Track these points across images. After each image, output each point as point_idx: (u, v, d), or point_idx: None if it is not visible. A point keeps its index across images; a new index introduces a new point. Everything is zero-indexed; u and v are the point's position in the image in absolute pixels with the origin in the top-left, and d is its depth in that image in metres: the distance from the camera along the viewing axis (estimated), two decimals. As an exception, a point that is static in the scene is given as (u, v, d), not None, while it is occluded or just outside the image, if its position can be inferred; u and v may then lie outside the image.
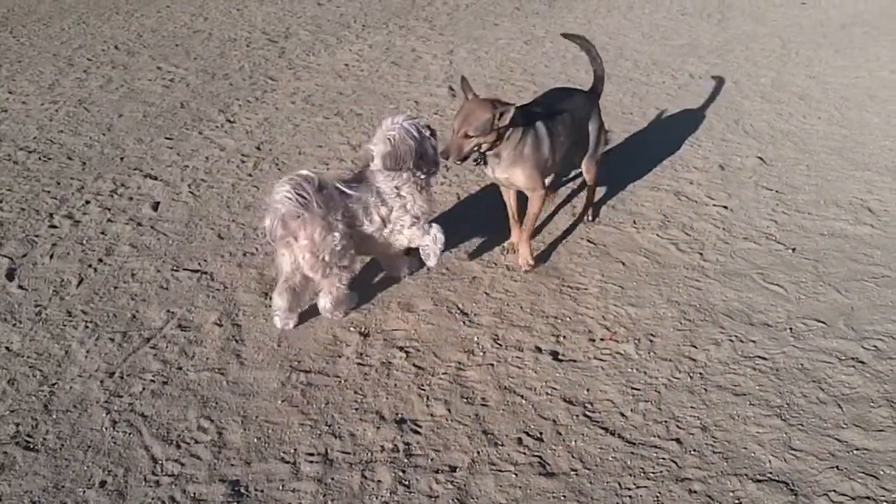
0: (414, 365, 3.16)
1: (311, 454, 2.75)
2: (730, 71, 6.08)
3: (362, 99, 5.81)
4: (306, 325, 3.41)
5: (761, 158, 4.72)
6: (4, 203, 4.51)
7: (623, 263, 3.74)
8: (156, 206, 4.43)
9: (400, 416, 2.91)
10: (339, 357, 3.22)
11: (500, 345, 3.25)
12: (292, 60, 6.61)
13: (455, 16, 7.73)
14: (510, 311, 3.45)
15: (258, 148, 5.09)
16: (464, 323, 3.39)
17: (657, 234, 3.97)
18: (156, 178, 4.73)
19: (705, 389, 2.96)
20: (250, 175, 4.74)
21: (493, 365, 3.14)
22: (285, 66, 6.50)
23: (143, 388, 3.08)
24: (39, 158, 5.02)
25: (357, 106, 5.69)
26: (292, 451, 2.78)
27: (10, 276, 3.84)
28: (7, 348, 3.33)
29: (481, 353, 3.20)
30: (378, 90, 5.97)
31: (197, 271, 3.82)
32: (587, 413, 2.88)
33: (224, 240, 4.08)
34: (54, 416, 2.96)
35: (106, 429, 2.89)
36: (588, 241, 3.93)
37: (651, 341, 3.23)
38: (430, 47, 6.84)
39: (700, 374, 3.05)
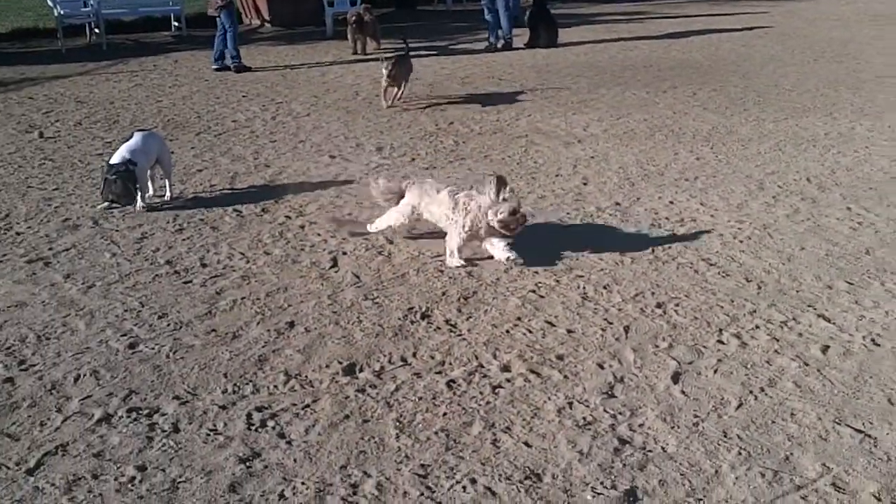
0: None
1: None
2: None
3: None
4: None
5: None
6: (679, 307, 4.79)
7: None
8: (825, 350, 4.30)
9: None
10: None
11: None
12: None
13: None
14: None
15: (946, 316, 4.66)
16: None
17: None
18: (829, 321, 4.61)
19: None
20: (933, 344, 4.36)
21: None
22: None
23: (786, 538, 2.98)
24: (718, 273, 5.24)
25: None
26: None
27: (676, 379, 4.05)
28: (663, 448, 3.50)
29: None
30: None
31: (860, 432, 3.59)
32: None
33: (894, 406, 3.79)
34: (695, 532, 3.01)
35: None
36: None
37: None
38: None
39: None
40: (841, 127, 8.84)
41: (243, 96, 10.86)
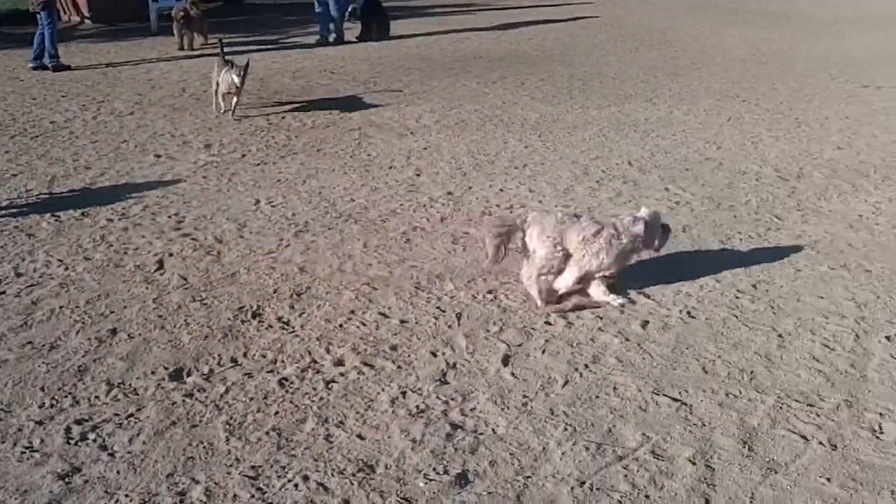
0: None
1: None
2: None
3: (874, 255, 5.40)
4: (784, 488, 3.19)
5: None
6: (510, 292, 4.90)
7: None
8: (644, 325, 4.50)
9: None
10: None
11: None
12: (802, 202, 6.38)
13: None
14: None
15: (754, 286, 4.95)
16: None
17: None
18: (648, 297, 4.82)
19: None
20: (743, 312, 4.63)
21: None
22: (794, 206, 6.30)
23: (609, 507, 3.10)
24: (546, 256, 5.39)
25: (867, 261, 5.31)
26: None
27: (506, 361, 4.13)
28: (493, 430, 3.57)
29: None
30: (893, 248, 5.51)
31: (677, 400, 3.78)
32: None
33: (708, 374, 4.01)
34: (524, 509, 3.09)
35: (569, 537, 2.94)
36: None
37: None
38: (962, 211, 6.18)
39: None
40: (660, 112, 9.27)
41: (62, 96, 10.32)
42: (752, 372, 4.03)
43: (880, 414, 3.67)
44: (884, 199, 6.45)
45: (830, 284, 4.98)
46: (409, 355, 4.22)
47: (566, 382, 3.94)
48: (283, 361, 4.16)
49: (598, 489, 3.18)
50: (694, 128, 8.58)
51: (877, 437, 3.52)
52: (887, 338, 4.34)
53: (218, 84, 9.15)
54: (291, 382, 3.97)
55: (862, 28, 15.19)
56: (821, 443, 3.47)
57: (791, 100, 9.79)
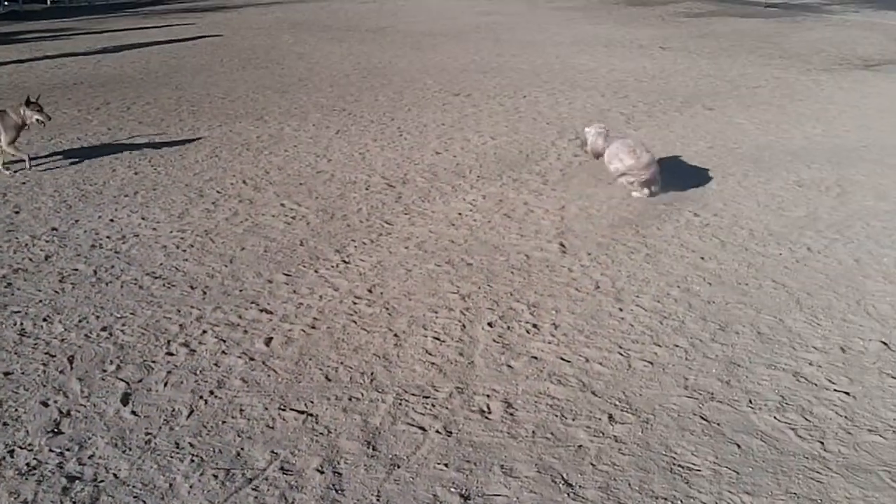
0: (515, 534, 3.07)
1: None
2: (850, 248, 5.93)
3: (473, 249, 5.89)
4: (407, 481, 3.37)
5: (885, 343, 4.54)
6: (126, 327, 4.68)
7: (738, 446, 3.60)
8: (268, 342, 4.52)
9: (498, 589, 2.81)
10: (439, 518, 3.16)
11: (606, 522, 3.13)
12: (408, 206, 6.79)
13: (568, 172, 7.83)
14: (617, 487, 3.34)
15: (370, 291, 5.18)
16: (568, 495, 3.30)
17: (774, 417, 3.82)
18: (271, 314, 4.86)
19: None
20: (361, 318, 4.82)
21: (597, 543, 3.02)
22: (401, 211, 6.68)
23: (242, 531, 3.07)
24: (164, 285, 5.23)
25: (468, 256, 5.77)
26: None
27: (125, 400, 3.94)
28: (115, 475, 3.39)
29: (586, 529, 3.09)
30: (489, 241, 6.04)
31: (303, 412, 3.85)
32: None
33: (331, 382, 4.12)
34: (153, 552, 2.96)
35: (202, 570, 2.87)
36: (701, 417, 3.82)
37: (767, 535, 3.07)
38: (542, 202, 6.92)
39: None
40: (271, 129, 9.36)
41: None
42: (372, 373, 4.21)
43: (487, 396, 4.01)
44: (479, 196, 7.05)
45: (438, 280, 5.34)
46: (15, 409, 3.88)
47: (191, 413, 3.84)
48: None
49: (229, 515, 3.15)
50: (305, 142, 8.78)
51: (486, 418, 3.83)
52: (489, 324, 4.74)
53: None
54: None
55: (450, 41, 16.46)
56: (438, 431, 3.72)
57: (392, 110, 10.37)
